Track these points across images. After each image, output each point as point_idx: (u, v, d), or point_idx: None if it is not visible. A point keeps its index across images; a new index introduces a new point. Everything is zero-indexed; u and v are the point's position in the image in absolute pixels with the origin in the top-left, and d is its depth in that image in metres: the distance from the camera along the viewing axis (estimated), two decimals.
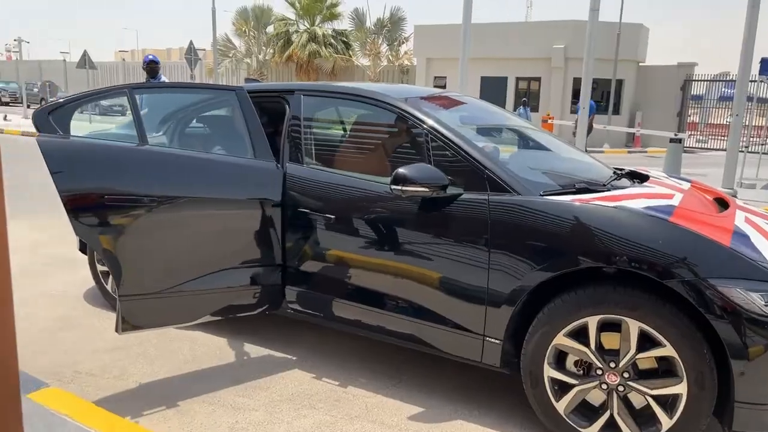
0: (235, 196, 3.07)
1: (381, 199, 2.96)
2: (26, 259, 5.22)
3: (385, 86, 3.76)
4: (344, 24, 27.53)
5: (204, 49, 27.89)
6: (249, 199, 3.12)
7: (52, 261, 5.16)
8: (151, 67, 7.40)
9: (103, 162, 2.72)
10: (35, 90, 30.77)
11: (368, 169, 3.18)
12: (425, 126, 3.00)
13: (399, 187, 2.75)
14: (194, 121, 3.85)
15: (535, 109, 21.14)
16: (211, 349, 3.54)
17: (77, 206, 2.64)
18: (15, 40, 23.77)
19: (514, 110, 19.14)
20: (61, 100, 2.88)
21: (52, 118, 2.76)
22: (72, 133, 2.82)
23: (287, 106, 3.42)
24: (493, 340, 2.72)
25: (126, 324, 2.86)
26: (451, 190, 2.80)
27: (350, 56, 26.74)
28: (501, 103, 21.08)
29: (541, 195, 2.68)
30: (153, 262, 2.87)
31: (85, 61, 22.45)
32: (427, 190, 2.74)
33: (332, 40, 26.68)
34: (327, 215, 3.08)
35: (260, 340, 3.65)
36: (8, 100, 34.70)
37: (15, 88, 34.37)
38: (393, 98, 3.16)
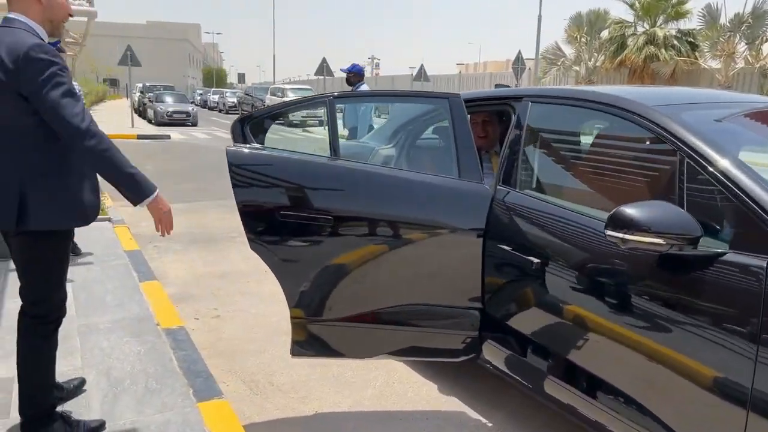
0: (426, 221, 2.58)
1: (602, 246, 2.12)
2: None
3: (657, 90, 2.81)
4: (691, 23, 24.14)
5: (534, 59, 27.79)
6: (444, 225, 2.59)
7: None
8: (349, 77, 7.28)
9: (280, 175, 2.54)
10: None
11: (597, 203, 2.35)
12: (682, 145, 2.05)
13: (619, 235, 1.90)
14: (417, 132, 3.49)
15: None
16: (404, 388, 3.14)
17: (252, 219, 2.52)
18: (369, 58, 27.28)
19: None
20: (259, 110, 2.82)
21: (248, 128, 2.71)
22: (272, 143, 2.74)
23: (513, 117, 2.80)
24: None
25: (296, 348, 2.66)
26: (706, 243, 1.84)
27: (696, 58, 23.32)
28: None
29: None
30: (326, 286, 2.60)
31: (420, 75, 24.52)
32: (662, 242, 1.84)
33: (674, 41, 23.65)
34: (531, 257, 2.37)
35: (460, 390, 3.10)
36: None
37: None
38: (642, 106, 2.26)
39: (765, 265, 1.69)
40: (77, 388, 2.66)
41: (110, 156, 2.12)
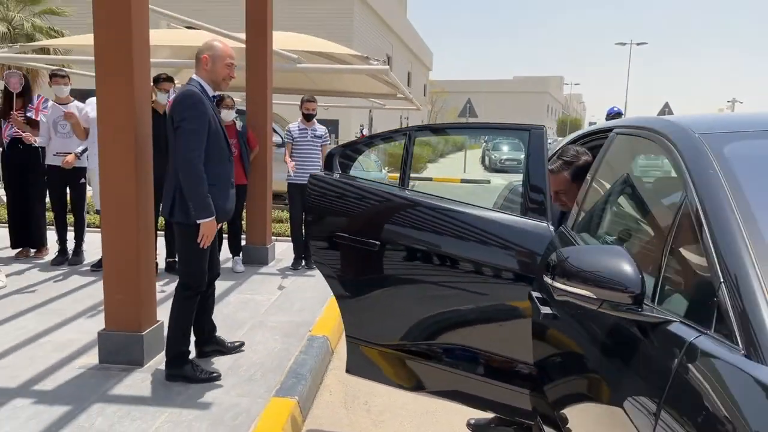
0: (474, 257, 2.42)
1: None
2: None
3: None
4: None
5: None
6: (491, 265, 2.38)
7: None
8: (610, 119, 6.63)
9: (340, 200, 2.71)
10: None
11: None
12: (690, 186, 1.56)
13: (554, 282, 1.57)
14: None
15: None
16: None
17: (315, 236, 2.75)
18: (728, 101, 23.93)
19: None
20: (348, 142, 3.02)
21: (339, 157, 2.94)
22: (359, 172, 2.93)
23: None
24: None
25: (350, 366, 2.76)
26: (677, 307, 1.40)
27: None
28: None
29: None
30: (374, 310, 2.65)
31: None
32: (591, 295, 1.45)
33: None
34: (544, 309, 2.02)
35: None
36: None
37: None
38: (683, 133, 1.76)
39: (682, 348, 1.21)
40: (234, 348, 3.56)
41: (193, 182, 2.92)
